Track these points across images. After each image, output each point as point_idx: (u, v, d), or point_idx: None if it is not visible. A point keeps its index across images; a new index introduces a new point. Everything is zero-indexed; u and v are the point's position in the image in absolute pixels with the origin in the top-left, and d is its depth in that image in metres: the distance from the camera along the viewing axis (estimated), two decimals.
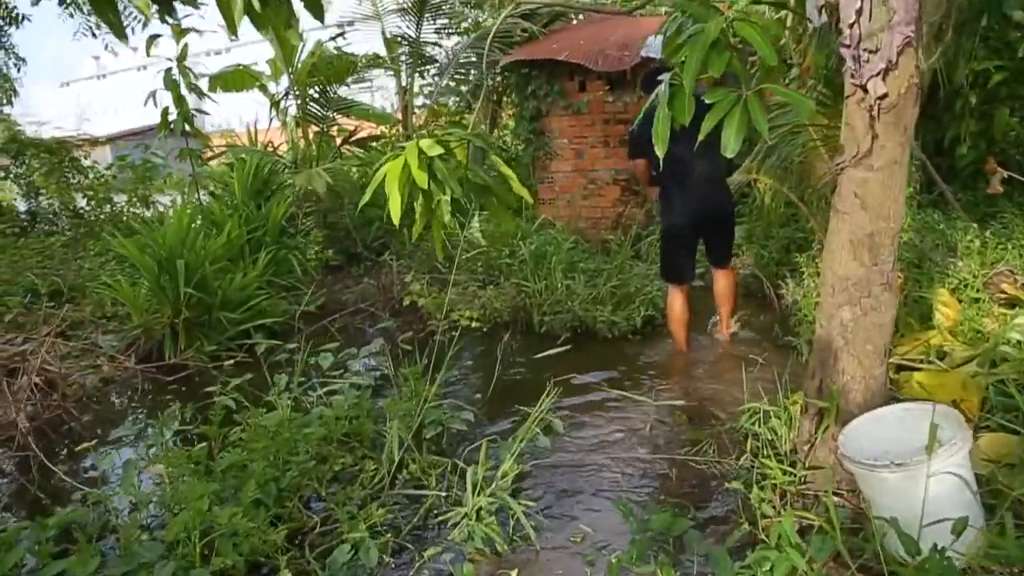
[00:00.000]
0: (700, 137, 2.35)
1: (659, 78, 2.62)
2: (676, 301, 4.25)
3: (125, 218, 8.68)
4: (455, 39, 8.66)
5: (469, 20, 8.24)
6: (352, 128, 8.11)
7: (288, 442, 2.88)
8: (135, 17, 7.43)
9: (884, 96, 2.30)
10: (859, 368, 2.57)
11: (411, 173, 2.45)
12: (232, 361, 4.43)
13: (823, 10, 3.79)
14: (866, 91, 2.33)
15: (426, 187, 2.47)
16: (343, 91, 7.92)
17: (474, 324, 4.99)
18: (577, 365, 4.08)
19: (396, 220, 2.43)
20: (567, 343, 4.38)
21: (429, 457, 3.07)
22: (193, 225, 5.57)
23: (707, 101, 2.37)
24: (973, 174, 5.45)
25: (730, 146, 2.32)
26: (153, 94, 6.18)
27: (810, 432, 2.70)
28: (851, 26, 2.33)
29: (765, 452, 2.81)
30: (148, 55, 5.78)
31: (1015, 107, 5.26)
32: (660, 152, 2.51)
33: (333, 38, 7.51)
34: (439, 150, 2.49)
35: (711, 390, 3.76)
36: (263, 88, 7.89)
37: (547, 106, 7.09)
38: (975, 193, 5.41)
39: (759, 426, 2.99)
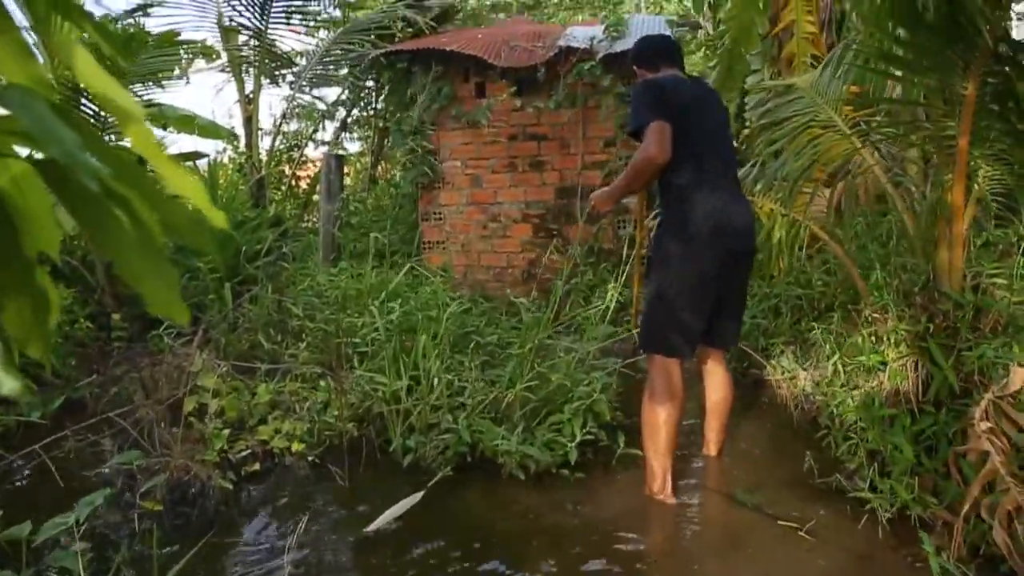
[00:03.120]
0: None
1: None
2: (671, 384, 2.41)
3: None
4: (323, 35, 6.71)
5: (333, 10, 6.31)
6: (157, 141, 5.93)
7: None
8: None
9: None
10: None
11: None
12: None
13: None
14: None
15: None
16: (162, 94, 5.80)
17: (296, 447, 2.96)
18: (460, 543, 2.14)
19: None
20: (444, 486, 2.42)
21: None
22: None
23: None
24: None
25: None
26: None
27: None
28: None
29: None
30: None
31: None
32: None
33: (133, 12, 5.37)
34: None
35: None
36: None
37: (432, 116, 5.22)
38: None
39: None
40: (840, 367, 2.87)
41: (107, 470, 2.87)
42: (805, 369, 3.29)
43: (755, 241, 2.51)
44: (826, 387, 2.91)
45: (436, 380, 2.89)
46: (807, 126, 2.77)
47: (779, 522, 2.21)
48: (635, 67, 2.65)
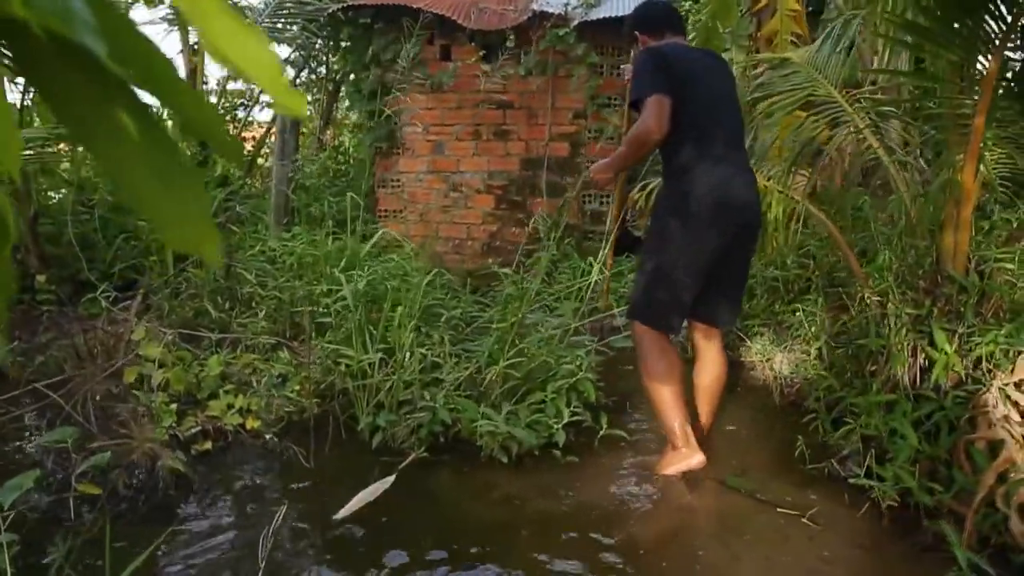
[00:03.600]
0: None
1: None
2: (665, 352, 2.35)
3: None
4: None
5: None
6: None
7: None
8: None
9: None
10: None
11: None
12: None
13: None
14: None
15: None
16: None
17: (251, 424, 2.71)
18: (439, 530, 1.98)
19: None
20: (417, 464, 2.24)
21: None
22: None
23: None
24: None
25: None
26: None
27: None
28: None
29: None
30: None
31: None
32: None
33: None
34: None
35: None
36: None
37: (395, 78, 4.94)
38: None
39: None
40: (825, 350, 2.82)
41: (33, 448, 2.56)
42: (782, 351, 3.24)
43: (760, 215, 2.40)
44: (811, 370, 2.85)
45: (408, 354, 2.69)
46: (806, 100, 2.66)
47: (779, 509, 2.12)
48: (637, 33, 2.51)
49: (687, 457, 2.31)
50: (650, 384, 2.36)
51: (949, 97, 2.19)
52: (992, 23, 1.96)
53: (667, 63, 2.29)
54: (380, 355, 2.66)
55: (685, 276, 2.29)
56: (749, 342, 3.50)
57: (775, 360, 3.19)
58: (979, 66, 2.06)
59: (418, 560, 1.91)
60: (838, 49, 2.68)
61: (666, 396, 2.32)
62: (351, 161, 5.45)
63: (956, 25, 2.00)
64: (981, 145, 2.13)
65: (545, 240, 4.87)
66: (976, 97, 2.07)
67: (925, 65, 2.28)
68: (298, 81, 6.72)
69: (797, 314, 3.16)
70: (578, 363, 2.63)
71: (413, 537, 2.03)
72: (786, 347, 3.24)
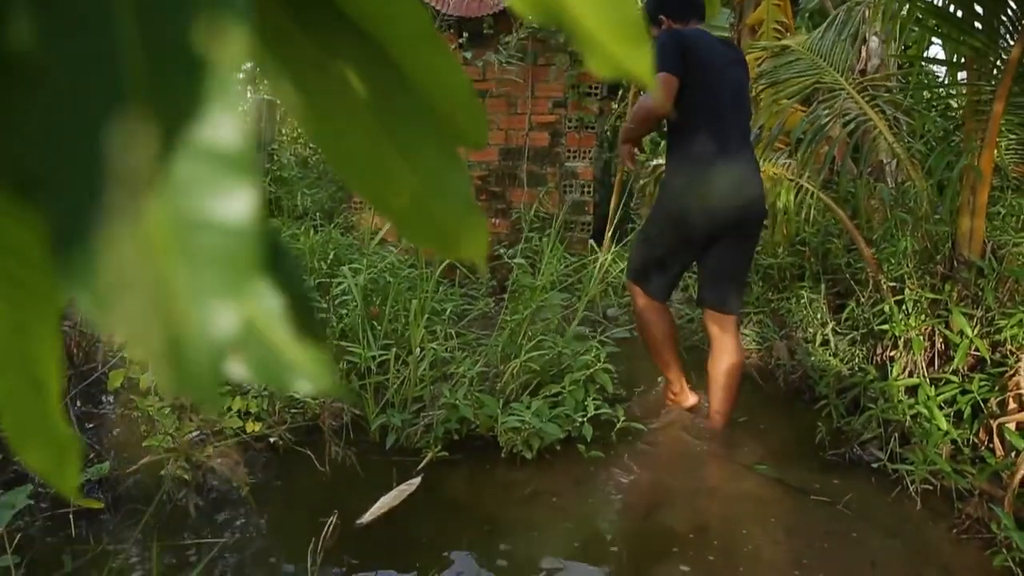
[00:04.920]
0: None
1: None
2: (656, 311, 2.63)
3: None
4: None
5: None
6: None
7: None
8: None
9: None
10: None
11: None
12: None
13: None
14: None
15: None
16: None
17: (251, 428, 2.58)
18: (469, 531, 1.90)
19: None
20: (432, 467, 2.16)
21: None
22: None
23: None
24: None
25: None
26: None
27: None
28: None
29: None
30: None
31: None
32: None
33: None
34: None
35: None
36: None
37: None
38: None
39: None
40: (831, 335, 2.84)
41: (19, 461, 2.37)
42: (781, 338, 3.26)
43: (763, 209, 2.48)
44: (816, 357, 2.88)
45: (419, 350, 2.59)
46: (813, 88, 2.67)
47: (812, 497, 2.12)
48: (661, 15, 2.53)
49: (682, 400, 2.69)
50: (643, 332, 2.68)
51: (969, 84, 2.21)
52: (1014, 4, 1.98)
53: (689, 48, 2.33)
54: (394, 351, 2.55)
55: (675, 239, 2.47)
56: (744, 330, 3.52)
57: (776, 347, 3.21)
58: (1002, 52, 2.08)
59: (447, 562, 1.84)
60: (843, 36, 2.68)
61: (660, 346, 2.63)
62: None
63: (980, 10, 2.02)
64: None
65: (526, 231, 4.82)
66: (997, 83, 2.10)
67: (951, 49, 2.30)
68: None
69: (794, 301, 3.19)
70: (594, 354, 2.58)
71: (441, 539, 1.95)
72: (785, 333, 3.27)
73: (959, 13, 2.08)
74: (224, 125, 0.24)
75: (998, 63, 2.10)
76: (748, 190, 2.37)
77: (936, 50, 7.25)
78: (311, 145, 5.92)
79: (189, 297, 0.22)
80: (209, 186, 0.23)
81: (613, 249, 3.87)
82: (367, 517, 2.08)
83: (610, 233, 3.57)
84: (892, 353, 2.35)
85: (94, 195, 0.22)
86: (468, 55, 4.65)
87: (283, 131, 6.85)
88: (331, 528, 1.74)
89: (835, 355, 2.78)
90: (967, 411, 2.14)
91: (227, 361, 0.24)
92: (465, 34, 4.69)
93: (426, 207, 0.44)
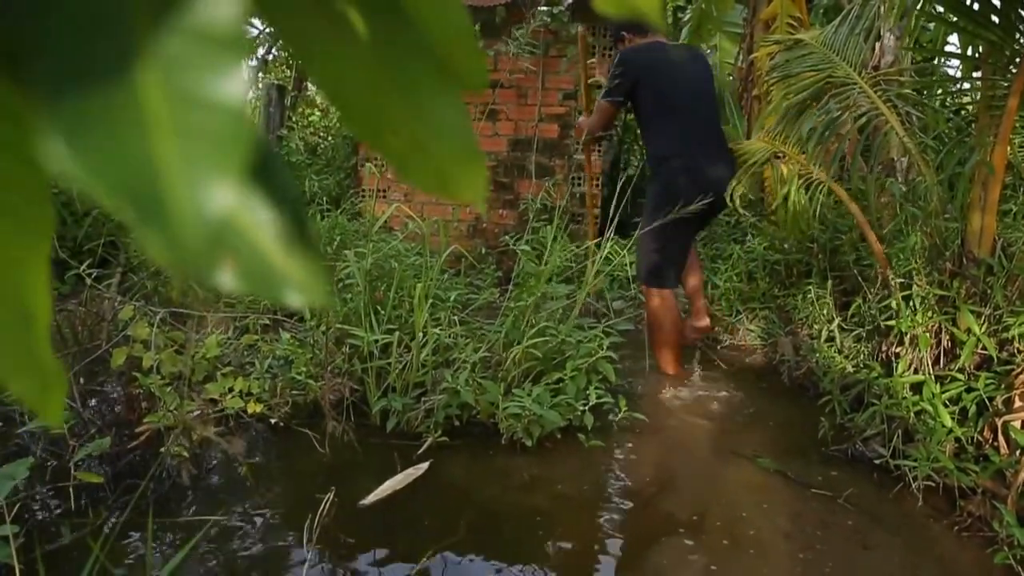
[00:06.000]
0: None
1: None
2: (666, 302, 2.97)
3: None
4: None
5: None
6: None
7: None
8: None
9: None
10: None
11: None
12: None
13: None
14: None
15: None
16: None
17: (252, 408, 2.58)
18: (469, 516, 1.89)
19: None
20: (436, 450, 2.16)
21: None
22: None
23: None
24: None
25: None
26: None
27: None
28: None
29: None
30: None
31: None
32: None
33: None
34: None
35: None
36: None
37: None
38: None
39: None
40: (837, 332, 2.82)
41: (22, 434, 2.39)
42: (786, 334, 3.25)
43: (727, 192, 2.87)
44: (821, 352, 2.86)
45: (422, 335, 2.59)
46: (825, 82, 2.64)
47: (812, 490, 2.11)
48: (623, 32, 2.95)
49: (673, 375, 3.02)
50: (654, 334, 2.98)
51: (985, 78, 2.19)
52: None
53: (642, 65, 2.82)
54: (397, 335, 2.54)
55: (676, 239, 2.89)
56: (750, 325, 3.51)
57: (780, 343, 3.20)
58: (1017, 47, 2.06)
59: (444, 546, 1.83)
60: (856, 31, 2.66)
61: (665, 335, 2.96)
62: (331, 138, 5.27)
63: (997, 2, 1.99)
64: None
65: (531, 222, 4.81)
66: (1010, 77, 2.08)
67: (965, 43, 2.26)
68: (269, 58, 6.48)
69: (800, 297, 3.17)
70: (597, 343, 2.57)
71: (438, 522, 1.95)
72: (790, 330, 3.25)
73: (975, 6, 2.05)
74: (220, 4, 0.24)
75: (1016, 58, 2.07)
76: (714, 176, 2.82)
77: (949, 47, 7.19)
78: (320, 133, 5.92)
79: (182, 169, 0.22)
80: (202, 64, 0.23)
81: (619, 241, 3.85)
82: (371, 498, 2.08)
83: (612, 227, 3.56)
84: (898, 350, 2.33)
85: (87, 62, 0.22)
86: (480, 44, 4.63)
87: (292, 117, 6.87)
88: (328, 506, 1.73)
89: (840, 351, 2.76)
90: (972, 409, 2.12)
91: (220, 231, 0.23)
92: (477, 24, 4.67)
93: (425, 148, 0.44)
